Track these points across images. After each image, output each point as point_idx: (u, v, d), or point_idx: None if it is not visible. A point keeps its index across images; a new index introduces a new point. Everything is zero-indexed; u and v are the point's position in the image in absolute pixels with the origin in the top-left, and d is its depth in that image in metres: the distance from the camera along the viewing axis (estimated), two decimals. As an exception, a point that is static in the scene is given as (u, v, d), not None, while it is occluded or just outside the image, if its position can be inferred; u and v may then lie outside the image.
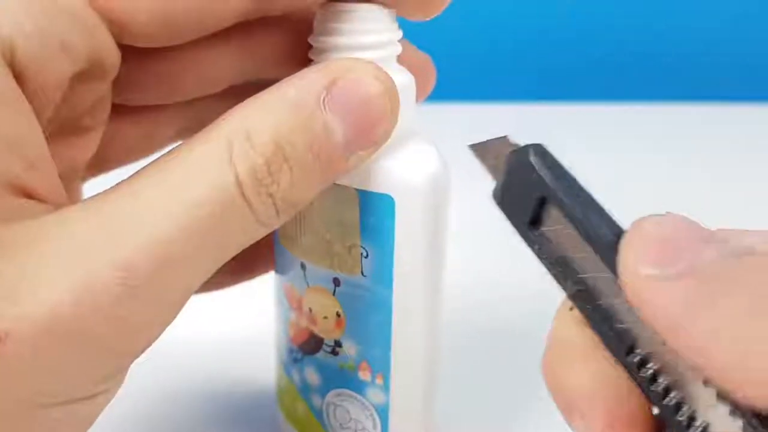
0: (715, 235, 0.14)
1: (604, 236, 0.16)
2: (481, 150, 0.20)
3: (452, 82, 0.70)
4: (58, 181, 0.18)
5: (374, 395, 0.22)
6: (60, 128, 0.19)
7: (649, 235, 0.14)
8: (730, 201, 0.49)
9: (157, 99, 0.22)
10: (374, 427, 0.23)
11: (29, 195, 0.17)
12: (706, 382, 0.14)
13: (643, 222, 0.15)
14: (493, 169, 0.19)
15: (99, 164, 0.22)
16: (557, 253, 0.17)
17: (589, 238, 0.16)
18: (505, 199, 0.18)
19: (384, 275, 0.21)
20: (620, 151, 0.59)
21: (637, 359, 0.16)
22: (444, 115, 0.64)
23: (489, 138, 0.20)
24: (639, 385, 0.16)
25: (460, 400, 0.28)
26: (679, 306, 0.13)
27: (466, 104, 0.65)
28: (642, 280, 0.14)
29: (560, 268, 0.17)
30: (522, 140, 0.19)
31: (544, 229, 0.18)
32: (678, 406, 0.15)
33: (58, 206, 0.17)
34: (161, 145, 0.24)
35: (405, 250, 0.20)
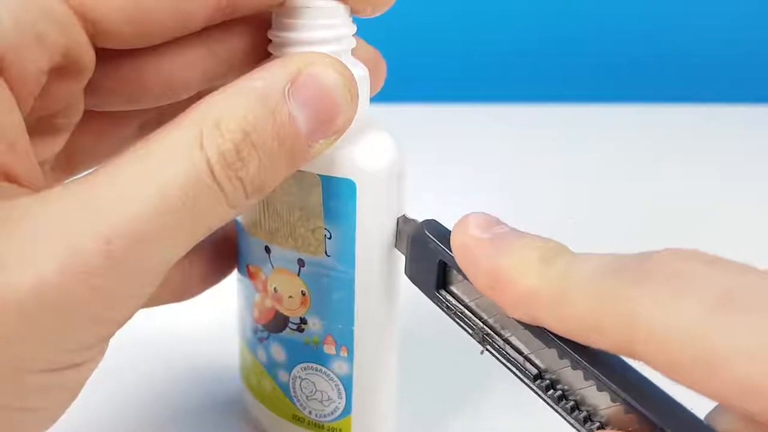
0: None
1: None
2: None
3: (452, 83, 0.71)
4: (38, 167, 0.19)
5: (339, 367, 0.24)
6: (34, 124, 0.20)
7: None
8: (730, 201, 0.51)
9: (124, 105, 0.22)
10: (339, 396, 0.24)
11: (8, 178, 0.17)
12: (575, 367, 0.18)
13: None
14: (401, 247, 0.22)
15: (63, 167, 0.23)
16: (463, 306, 0.21)
17: None
18: (413, 271, 0.22)
19: (347, 255, 0.22)
20: (620, 151, 0.59)
21: (545, 383, 0.19)
22: (444, 116, 0.65)
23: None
24: (549, 405, 0.19)
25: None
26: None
27: (466, 105, 0.66)
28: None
29: (467, 319, 0.21)
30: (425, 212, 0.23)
31: (450, 288, 0.21)
32: (576, 409, 0.18)
33: (36, 190, 0.18)
34: (123, 146, 0.25)
35: (366, 231, 0.22)
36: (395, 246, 0.23)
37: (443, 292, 0.21)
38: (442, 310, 0.21)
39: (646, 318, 0.15)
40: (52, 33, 0.18)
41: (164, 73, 0.22)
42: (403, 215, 0.23)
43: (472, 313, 0.21)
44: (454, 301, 0.21)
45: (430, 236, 0.21)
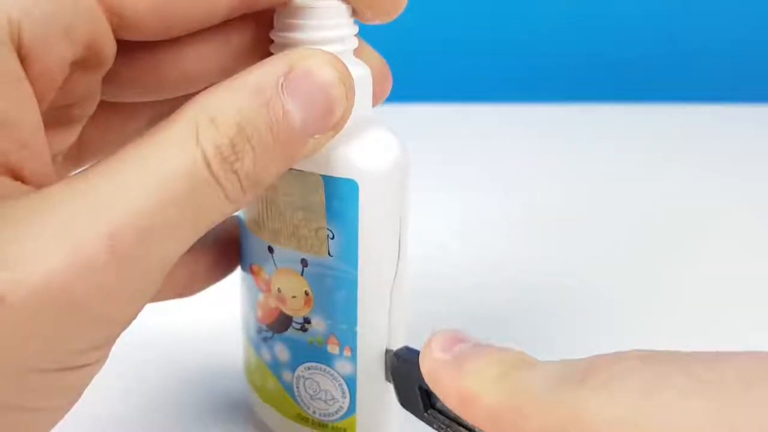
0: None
1: None
2: None
3: (450, 83, 0.71)
4: (50, 166, 0.19)
5: (342, 366, 0.24)
6: (51, 116, 0.20)
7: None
8: (730, 201, 0.51)
9: (140, 96, 0.22)
10: (343, 396, 0.25)
11: (15, 175, 0.18)
12: None
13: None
14: (388, 377, 0.24)
15: (74, 158, 0.23)
16: (451, 420, 0.21)
17: None
18: (402, 398, 0.23)
19: (349, 255, 0.22)
20: (620, 151, 0.60)
21: None
22: (446, 115, 0.65)
23: None
24: None
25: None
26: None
27: (468, 104, 0.67)
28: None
29: None
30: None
31: (437, 405, 0.22)
32: None
33: (40, 187, 0.18)
34: (132, 138, 0.25)
35: (369, 231, 0.22)
36: (386, 378, 0.24)
37: (432, 411, 0.22)
38: (435, 429, 0.22)
39: (592, 422, 0.15)
40: (79, 25, 0.18)
41: (182, 64, 0.22)
42: (385, 348, 0.24)
43: (462, 425, 0.21)
44: (442, 417, 0.22)
45: (404, 364, 0.22)
